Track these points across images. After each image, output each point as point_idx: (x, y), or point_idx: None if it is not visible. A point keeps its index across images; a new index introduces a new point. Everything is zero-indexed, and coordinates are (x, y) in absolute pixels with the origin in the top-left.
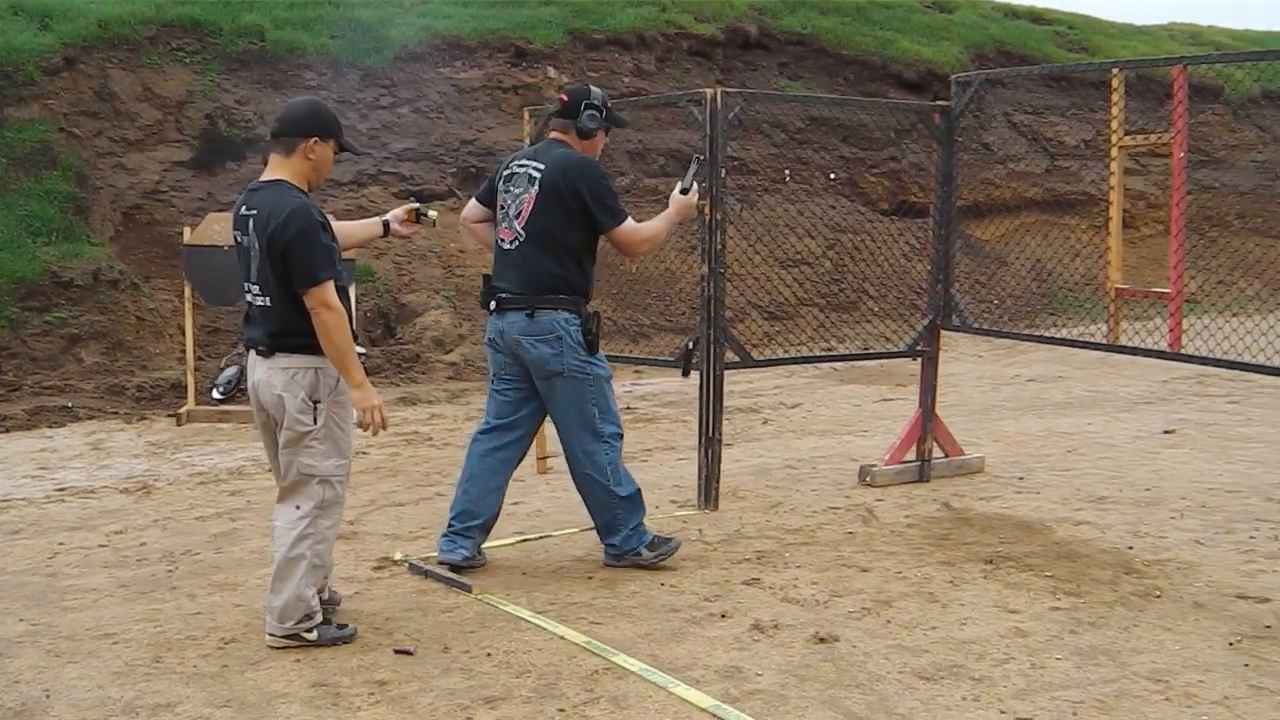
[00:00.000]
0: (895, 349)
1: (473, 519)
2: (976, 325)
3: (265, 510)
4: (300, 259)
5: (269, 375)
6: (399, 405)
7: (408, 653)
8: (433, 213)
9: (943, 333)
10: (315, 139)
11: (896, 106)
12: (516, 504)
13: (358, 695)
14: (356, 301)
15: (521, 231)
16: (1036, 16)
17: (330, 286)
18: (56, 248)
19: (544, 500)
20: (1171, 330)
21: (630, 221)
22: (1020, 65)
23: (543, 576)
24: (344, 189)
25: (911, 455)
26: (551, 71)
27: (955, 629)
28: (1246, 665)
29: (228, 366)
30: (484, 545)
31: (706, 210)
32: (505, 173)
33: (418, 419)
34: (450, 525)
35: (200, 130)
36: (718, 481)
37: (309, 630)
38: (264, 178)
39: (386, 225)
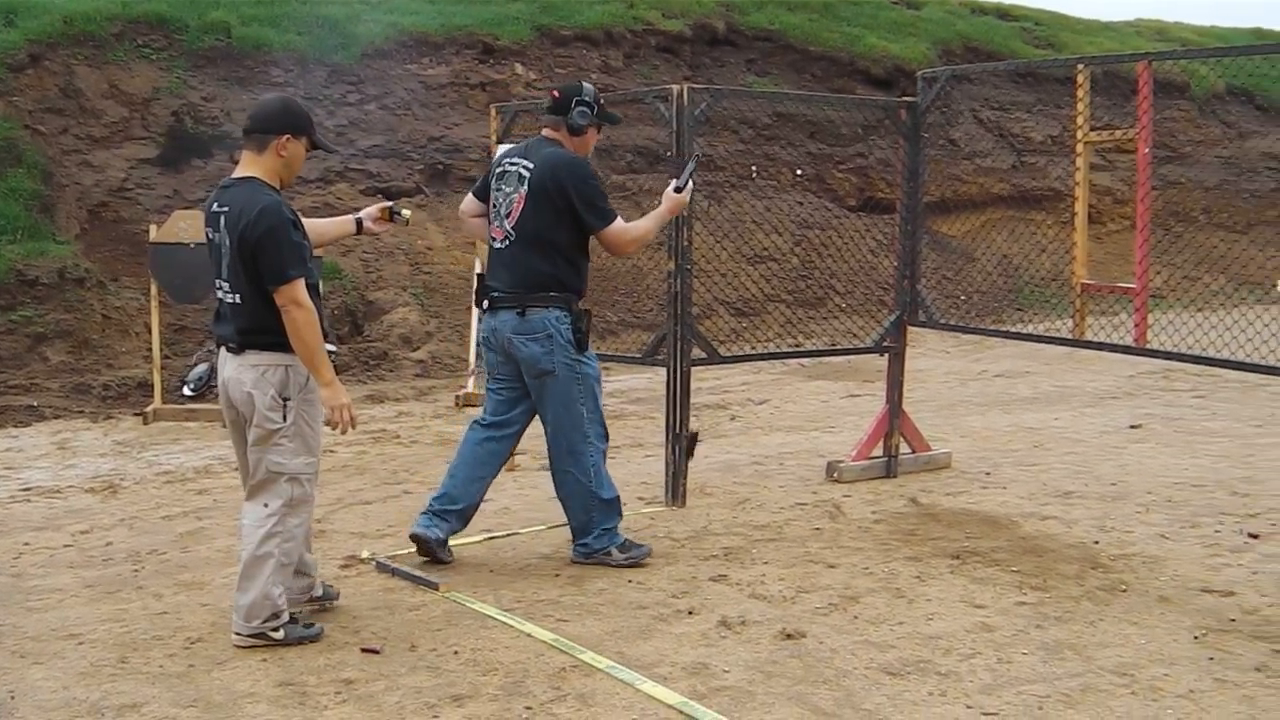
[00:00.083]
0: (862, 345)
1: (452, 503)
2: (943, 321)
3: (232, 509)
4: (271, 256)
5: (239, 372)
6: (366, 403)
7: (374, 651)
8: (406, 211)
9: (910, 328)
10: (288, 136)
11: (863, 102)
12: (485, 501)
13: (324, 694)
14: (324, 299)
15: (511, 231)
16: (1004, 13)
17: (301, 284)
18: (21, 246)
19: (511, 498)
20: (1137, 325)
21: (619, 221)
22: (987, 61)
23: (510, 574)
24: (311, 186)
25: (878, 451)
26: (519, 68)
27: (922, 624)
28: (1211, 659)
29: (198, 363)
30: (452, 543)
31: None
32: (497, 170)
33: (385, 417)
34: (430, 505)
35: (166, 127)
36: (685, 478)
37: (275, 629)
38: (236, 174)
39: (359, 223)
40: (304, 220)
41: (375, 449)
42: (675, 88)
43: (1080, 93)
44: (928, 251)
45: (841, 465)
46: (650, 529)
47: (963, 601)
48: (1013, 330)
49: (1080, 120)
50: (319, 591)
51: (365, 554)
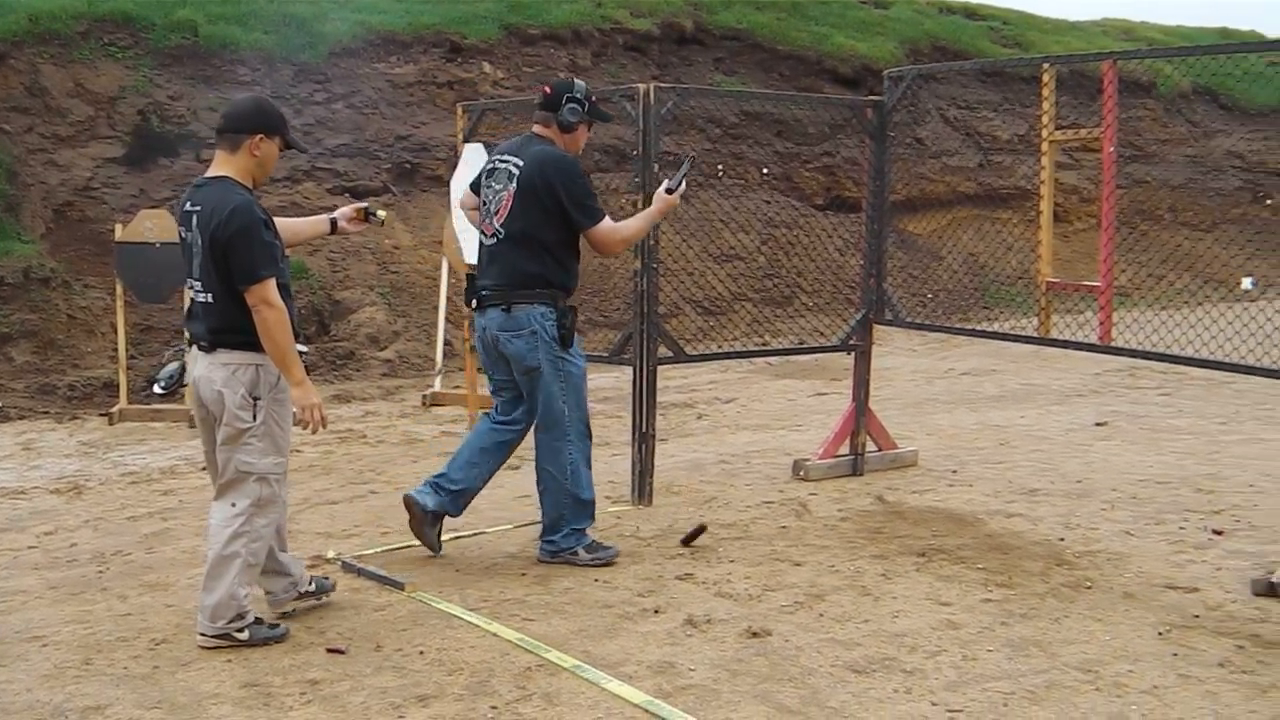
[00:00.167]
0: (829, 343)
1: (450, 483)
2: (909, 319)
3: (198, 510)
4: (242, 256)
5: (210, 371)
6: (333, 403)
7: (340, 651)
8: (381, 212)
9: (876, 327)
10: (260, 136)
11: (830, 101)
12: None
13: (289, 695)
14: (292, 299)
15: (500, 229)
16: (971, 12)
17: (271, 284)
18: None
19: (478, 498)
20: (1101, 323)
21: (607, 221)
22: (955, 60)
23: (476, 573)
24: (278, 185)
25: (845, 449)
26: (487, 67)
27: (887, 622)
28: (1175, 654)
29: (169, 361)
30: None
31: (640, 205)
32: (488, 167)
33: (352, 416)
34: (434, 475)
35: (132, 126)
36: (651, 477)
37: (240, 630)
38: (209, 174)
39: (334, 223)
40: (278, 219)
41: (342, 449)
42: (641, 87)
43: (1046, 92)
44: (894, 250)
45: (808, 464)
46: (617, 528)
47: (928, 599)
48: (979, 328)
49: (1046, 119)
50: (310, 586)
51: (331, 554)
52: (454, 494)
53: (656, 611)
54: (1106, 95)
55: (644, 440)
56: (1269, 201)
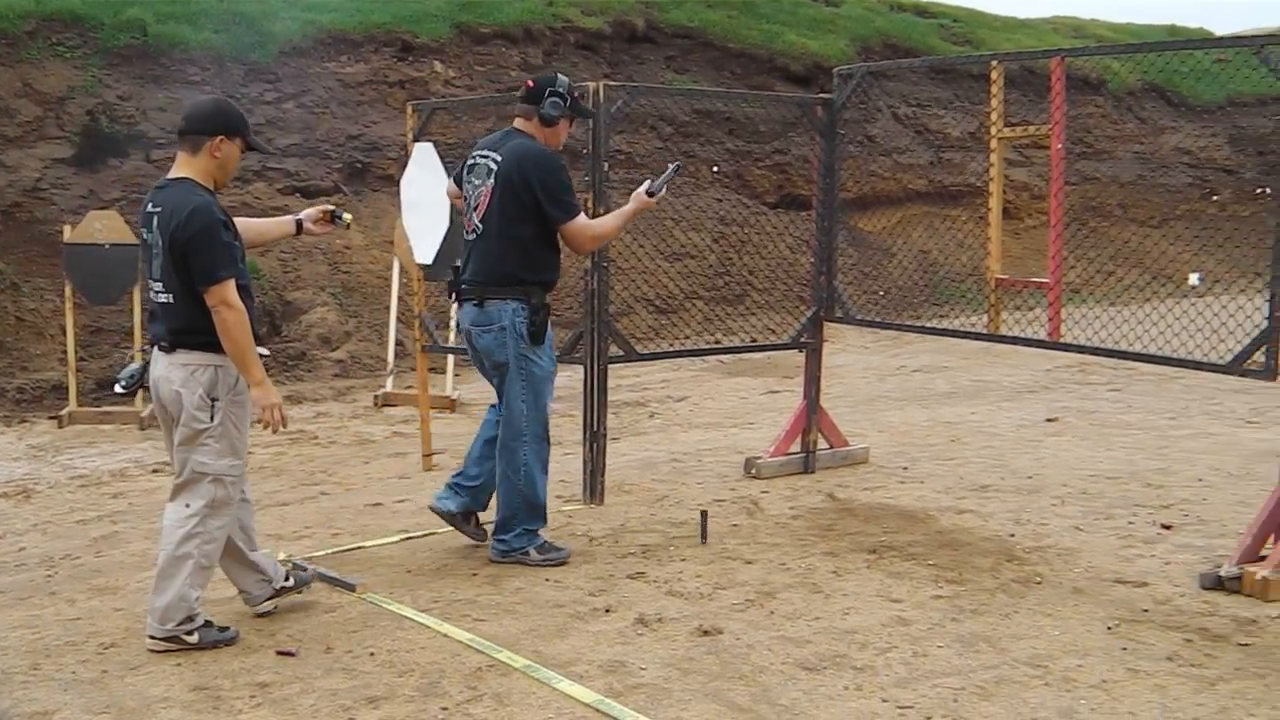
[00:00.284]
0: (780, 341)
1: (468, 479)
2: (860, 317)
3: (147, 513)
4: (202, 257)
5: (169, 371)
6: (285, 404)
7: (290, 654)
8: (347, 215)
9: (828, 324)
10: (221, 137)
11: (780, 99)
12: (402, 501)
13: (239, 698)
14: None
15: (479, 224)
16: (922, 10)
17: (231, 285)
18: None
19: (429, 497)
20: (1051, 320)
21: (582, 217)
22: (905, 58)
23: (427, 574)
24: (228, 185)
25: (796, 447)
26: (438, 66)
27: (838, 619)
28: (1124, 649)
29: (131, 361)
30: (369, 544)
31: (590, 204)
32: (469, 162)
33: (303, 417)
34: (453, 475)
35: (81, 127)
36: (603, 476)
37: (189, 633)
38: (170, 175)
39: (299, 224)
40: (243, 220)
41: (293, 450)
42: (591, 85)
43: (994, 89)
44: (846, 248)
45: (759, 461)
46: (568, 527)
47: (879, 596)
48: (928, 325)
49: (994, 116)
50: (288, 581)
51: (282, 556)
52: (473, 490)
53: (608, 611)
54: (1055, 92)
55: (595, 439)
56: (1215, 197)
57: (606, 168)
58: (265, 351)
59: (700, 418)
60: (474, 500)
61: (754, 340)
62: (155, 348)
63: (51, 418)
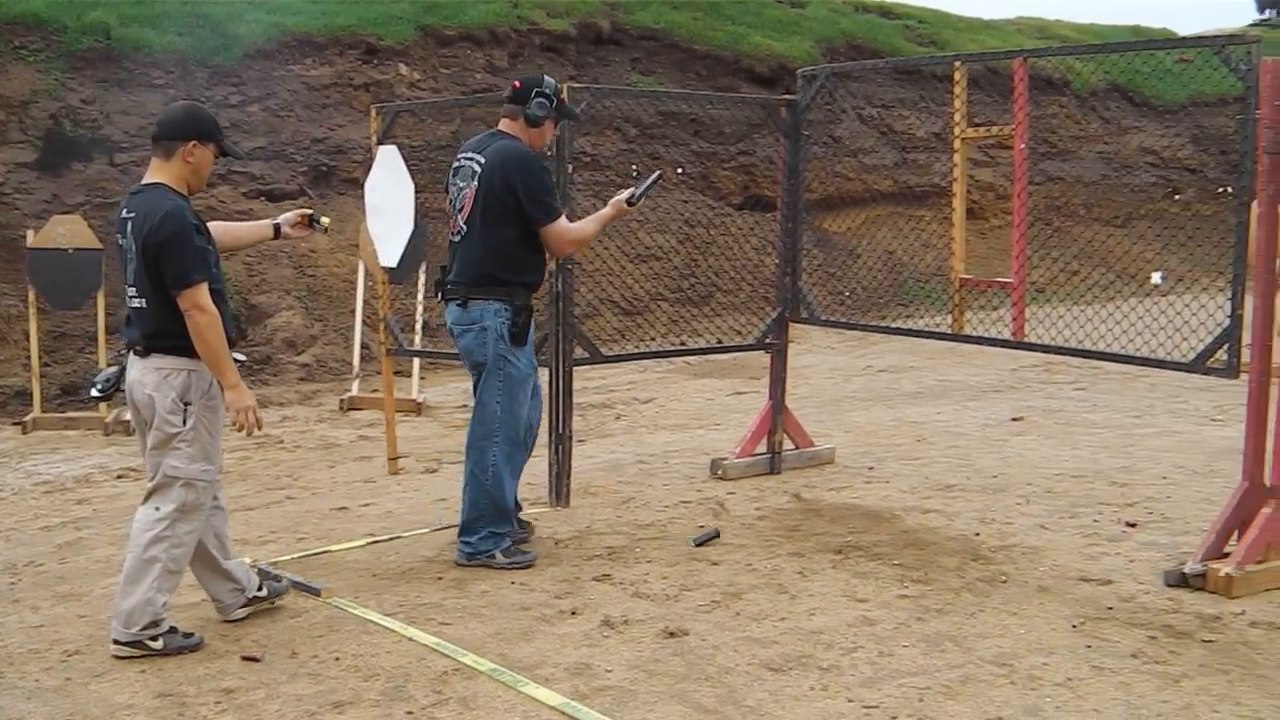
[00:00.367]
0: (745, 342)
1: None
2: (825, 317)
3: (112, 519)
4: (174, 261)
5: (142, 375)
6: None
7: (255, 659)
8: (325, 219)
9: (794, 325)
10: (194, 142)
11: (744, 101)
12: (367, 505)
13: (204, 704)
14: None
15: (463, 226)
16: (887, 11)
17: (203, 289)
18: None
19: (395, 501)
20: (1015, 319)
21: (562, 220)
22: (871, 59)
23: (392, 578)
24: None
25: (762, 448)
26: (403, 68)
27: (804, 619)
28: (1089, 646)
29: (110, 365)
30: (335, 548)
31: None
32: (455, 165)
33: (269, 421)
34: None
35: (45, 130)
36: (569, 478)
37: (154, 638)
38: (144, 181)
39: (277, 228)
40: (221, 225)
41: (259, 454)
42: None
43: (957, 90)
44: (812, 248)
45: (725, 462)
46: (534, 529)
47: (845, 596)
48: (893, 325)
49: (958, 117)
50: (261, 591)
51: (247, 561)
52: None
53: (573, 613)
54: (1018, 93)
55: (561, 441)
56: (1178, 196)
57: (571, 169)
58: (241, 356)
59: (666, 419)
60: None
61: (720, 341)
62: (130, 352)
63: (15, 423)
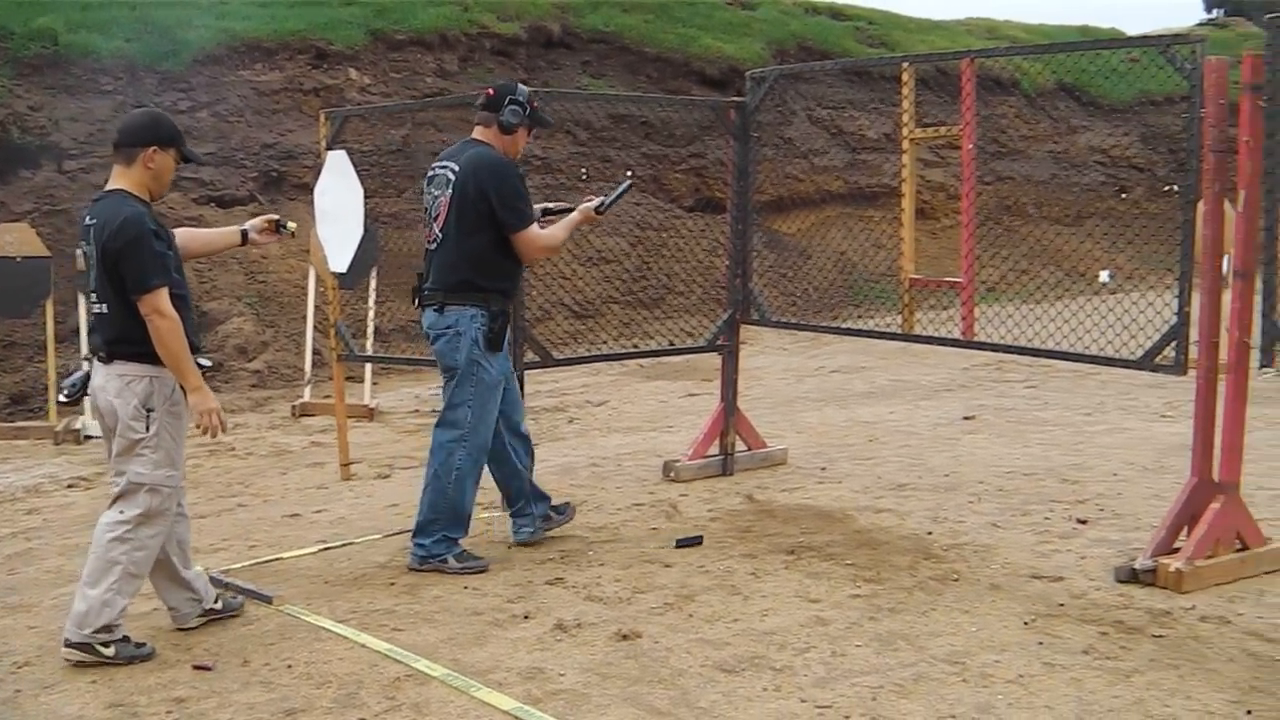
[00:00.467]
0: (696, 344)
1: (513, 502)
2: (775, 318)
3: (62, 529)
4: (132, 266)
5: (105, 381)
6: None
7: (206, 668)
8: (291, 224)
9: (748, 326)
10: (154, 148)
11: (693, 103)
12: (319, 512)
13: (155, 714)
14: None
15: (439, 233)
16: (837, 12)
17: (163, 293)
18: None
19: (347, 507)
20: (964, 318)
21: (534, 228)
22: (821, 60)
23: (345, 584)
24: None
25: (714, 449)
26: (353, 73)
27: (757, 620)
28: (1041, 643)
29: (74, 371)
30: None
31: None
32: (429, 174)
33: None
34: (508, 510)
35: None
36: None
37: (106, 644)
38: (106, 187)
39: (245, 235)
40: (188, 231)
41: (210, 462)
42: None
43: (906, 90)
44: (763, 250)
45: (678, 465)
46: (487, 534)
47: (798, 596)
48: (843, 326)
49: (906, 118)
50: (216, 604)
51: (199, 568)
52: (525, 499)
53: (526, 617)
54: (965, 93)
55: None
56: (1124, 195)
57: (523, 173)
58: (207, 362)
59: (619, 422)
60: (533, 503)
61: (672, 344)
62: (95, 358)
63: None
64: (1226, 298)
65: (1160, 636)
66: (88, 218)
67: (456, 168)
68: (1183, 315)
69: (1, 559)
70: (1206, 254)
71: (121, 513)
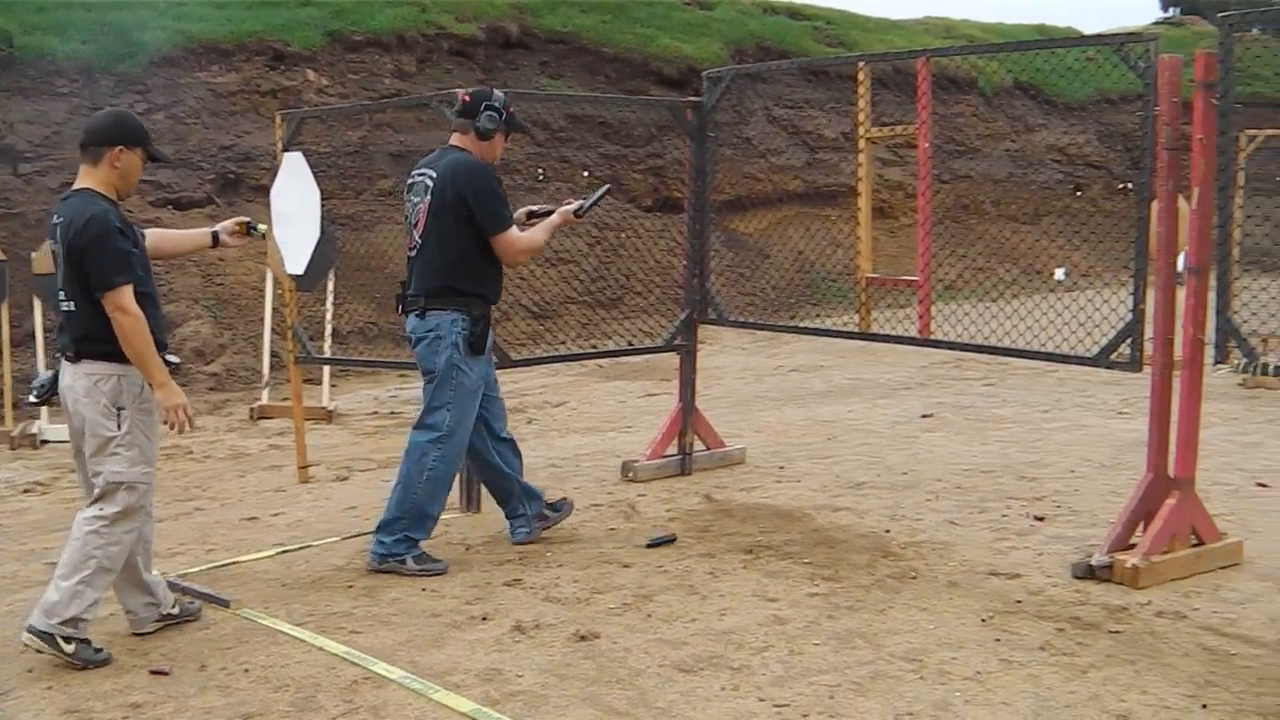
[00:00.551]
0: (654, 344)
1: (505, 502)
2: (733, 318)
3: (18, 535)
4: (96, 264)
5: (74, 380)
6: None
7: (163, 673)
8: (262, 226)
9: (708, 326)
10: (120, 148)
11: (650, 103)
12: (277, 515)
13: None
14: None
15: (419, 239)
16: (795, 12)
17: (126, 291)
18: None
19: (305, 510)
20: (921, 317)
21: (513, 230)
22: (779, 60)
23: (302, 587)
24: None
25: (673, 449)
26: (310, 74)
27: (715, 620)
28: (998, 640)
29: (47, 370)
30: (244, 558)
31: None
32: (409, 181)
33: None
34: (507, 515)
35: None
36: (480, 484)
37: (68, 639)
38: (74, 187)
39: (216, 236)
40: (160, 231)
41: (167, 465)
42: (459, 92)
43: (861, 90)
44: (722, 250)
45: (636, 465)
46: (445, 535)
47: (755, 595)
48: (801, 325)
49: (862, 117)
50: (174, 609)
51: (156, 574)
52: (513, 502)
53: (484, 619)
54: (921, 92)
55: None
56: (1079, 193)
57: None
58: (174, 359)
59: (578, 422)
60: (526, 503)
61: (631, 344)
62: (63, 357)
63: None
64: (1181, 294)
65: (1116, 632)
66: (55, 216)
67: (435, 174)
68: (1137, 312)
69: None
70: (1161, 251)
71: (101, 510)
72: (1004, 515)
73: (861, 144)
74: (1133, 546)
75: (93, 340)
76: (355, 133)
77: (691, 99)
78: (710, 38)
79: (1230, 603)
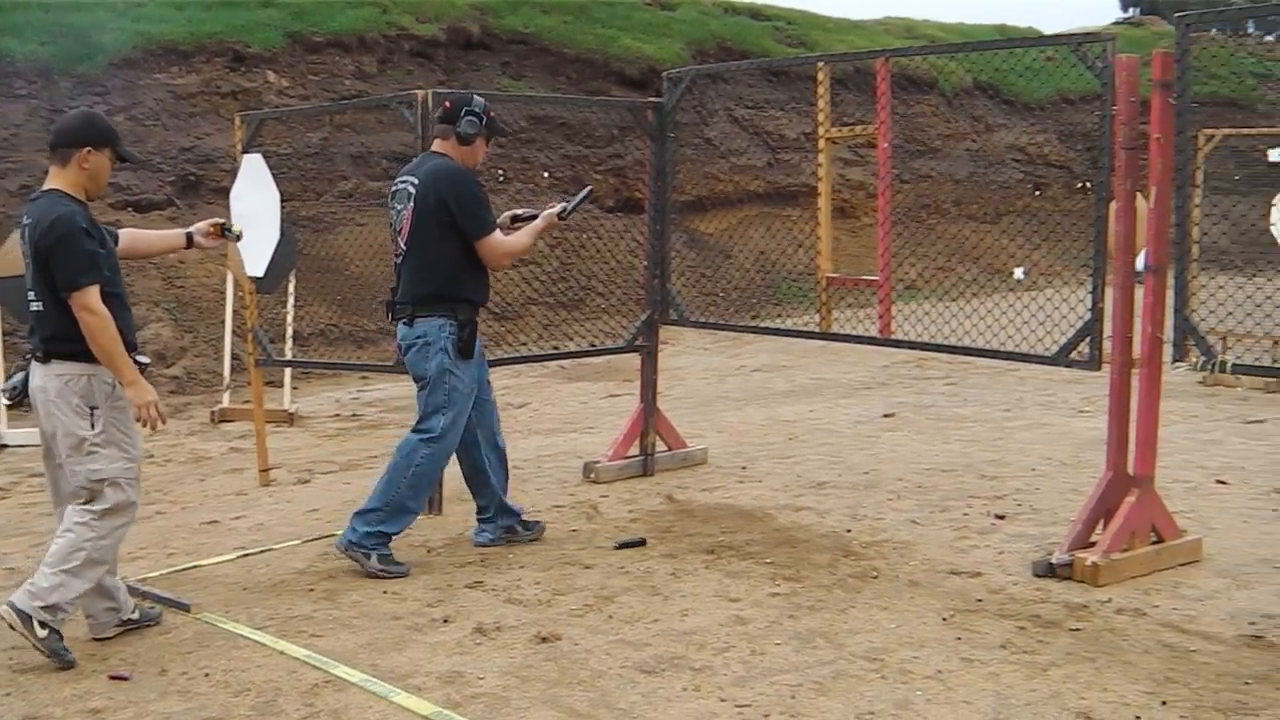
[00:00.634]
0: (615, 345)
1: (483, 510)
2: (694, 318)
3: None
4: (62, 264)
5: (45, 381)
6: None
7: (123, 678)
8: (237, 227)
9: (670, 327)
10: (89, 149)
11: (610, 103)
12: (238, 518)
13: None
14: None
15: (404, 246)
16: (756, 12)
17: (92, 291)
18: None
19: (266, 513)
20: (881, 316)
21: (497, 234)
22: (740, 60)
23: (263, 591)
24: None
25: (635, 450)
26: (271, 76)
27: (676, 620)
28: (959, 639)
29: (16, 372)
30: (204, 562)
31: None
32: (393, 189)
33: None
34: (477, 516)
35: None
36: (441, 486)
37: (44, 625)
38: (43, 188)
39: (190, 237)
40: (134, 232)
41: None
42: (419, 93)
43: (821, 90)
44: (684, 250)
45: (598, 466)
46: (407, 537)
47: (717, 596)
48: (761, 325)
49: (822, 117)
50: (134, 614)
51: (117, 578)
52: (493, 509)
53: (446, 621)
54: (880, 92)
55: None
56: (1038, 192)
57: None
58: (144, 359)
59: (540, 424)
60: (501, 515)
61: (593, 345)
62: (34, 358)
63: None
64: (1140, 293)
65: (1077, 630)
66: (25, 218)
67: (417, 181)
68: (1096, 311)
69: None
70: (1119, 250)
71: (90, 507)
72: (965, 514)
73: (822, 144)
74: (1093, 544)
75: (62, 340)
76: (316, 134)
77: (652, 100)
78: (671, 38)
79: (1190, 600)
